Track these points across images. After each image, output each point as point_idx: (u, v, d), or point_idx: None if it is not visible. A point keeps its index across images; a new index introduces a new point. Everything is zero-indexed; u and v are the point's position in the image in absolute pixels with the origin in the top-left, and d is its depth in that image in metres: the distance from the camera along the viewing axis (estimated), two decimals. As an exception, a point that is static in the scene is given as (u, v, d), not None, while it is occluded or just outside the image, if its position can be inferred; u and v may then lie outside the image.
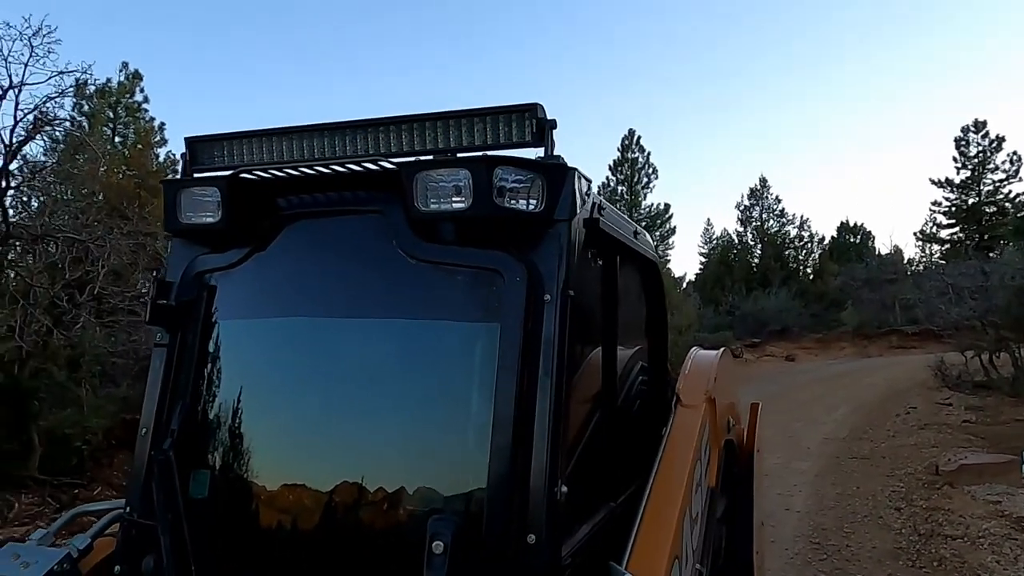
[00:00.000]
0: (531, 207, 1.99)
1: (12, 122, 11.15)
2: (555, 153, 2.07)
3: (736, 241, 51.33)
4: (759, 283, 45.70)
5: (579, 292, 2.10)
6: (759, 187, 51.23)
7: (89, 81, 13.05)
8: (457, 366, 2.09)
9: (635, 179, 46.47)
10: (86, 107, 33.36)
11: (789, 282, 46.14)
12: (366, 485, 2.06)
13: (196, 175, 2.35)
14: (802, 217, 51.39)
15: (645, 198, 46.38)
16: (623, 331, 2.70)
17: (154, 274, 2.31)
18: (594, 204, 2.26)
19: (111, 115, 33.83)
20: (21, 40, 10.98)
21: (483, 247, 2.00)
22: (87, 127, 32.92)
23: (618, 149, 46.23)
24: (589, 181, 2.21)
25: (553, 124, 2.05)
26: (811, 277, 49.58)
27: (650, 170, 46.19)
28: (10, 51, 11.08)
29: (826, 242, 52.43)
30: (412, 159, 2.05)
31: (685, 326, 28.02)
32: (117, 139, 33.31)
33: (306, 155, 2.22)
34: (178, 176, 2.38)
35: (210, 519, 2.15)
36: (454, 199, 1.93)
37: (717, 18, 68.84)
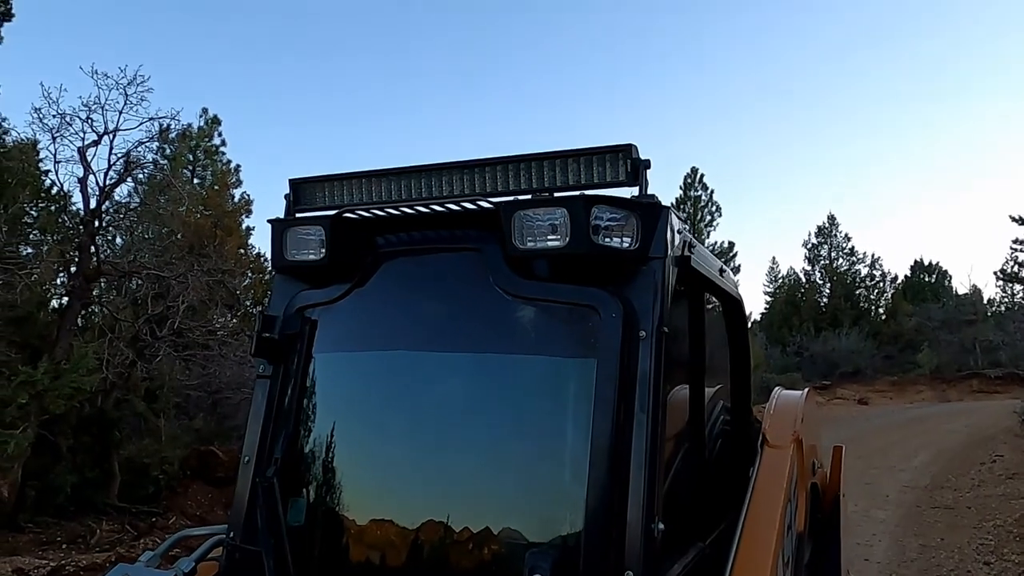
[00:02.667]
0: (626, 245, 2.02)
1: (106, 166, 11.81)
2: (649, 192, 2.11)
3: (803, 280, 50.09)
4: (829, 323, 44.37)
5: (671, 329, 2.11)
6: (827, 225, 50.09)
7: (173, 126, 13.67)
8: (555, 401, 2.11)
9: (698, 217, 46.06)
10: (169, 150, 35.16)
11: (860, 322, 44.65)
12: (464, 518, 2.09)
13: (298, 215, 2.46)
14: (873, 255, 49.72)
15: (708, 236, 45.87)
16: (712, 369, 2.69)
17: (259, 309, 2.42)
18: (685, 242, 2.28)
19: (191, 158, 35.51)
20: (117, 89, 11.67)
21: (579, 284, 2.04)
22: (170, 169, 34.68)
23: (681, 187, 46.01)
24: (681, 219, 2.23)
25: (647, 164, 2.10)
26: (884, 317, 47.89)
27: (713, 208, 45.76)
28: (107, 99, 11.76)
29: (899, 281, 50.72)
30: (510, 199, 2.11)
31: (752, 366, 27.42)
32: (196, 180, 34.91)
33: (404, 196, 2.31)
34: (281, 216, 2.50)
35: (308, 546, 2.21)
36: (550, 237, 1.98)
37: (781, 55, 68.31)
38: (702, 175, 46.12)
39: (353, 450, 2.31)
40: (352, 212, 2.29)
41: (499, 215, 2.04)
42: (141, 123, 12.43)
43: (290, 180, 2.53)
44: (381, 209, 2.26)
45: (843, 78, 70.73)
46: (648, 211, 2.05)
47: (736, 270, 45.87)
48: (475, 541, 2.06)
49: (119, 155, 11.98)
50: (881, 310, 49.15)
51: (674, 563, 2.12)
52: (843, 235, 49.72)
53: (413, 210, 2.22)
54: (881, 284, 49.77)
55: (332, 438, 2.32)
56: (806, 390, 3.70)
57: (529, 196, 2.13)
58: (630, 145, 2.09)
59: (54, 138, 11.57)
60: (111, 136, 11.77)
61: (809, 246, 50.25)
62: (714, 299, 2.88)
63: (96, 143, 12.23)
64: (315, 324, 2.39)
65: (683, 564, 2.20)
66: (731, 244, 46.10)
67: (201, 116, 36.24)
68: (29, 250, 12.17)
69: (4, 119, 12.25)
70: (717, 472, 2.72)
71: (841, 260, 49.50)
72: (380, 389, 2.35)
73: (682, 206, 46.76)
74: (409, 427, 2.27)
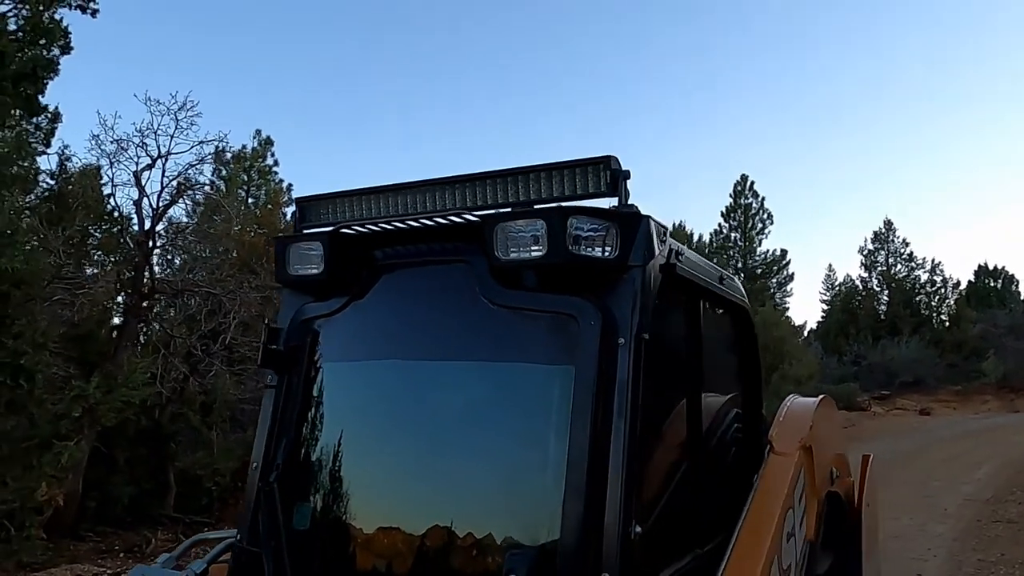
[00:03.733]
0: (605, 254, 2.08)
1: (159, 188, 12.32)
2: (630, 202, 2.16)
3: (860, 287, 48.77)
4: (887, 331, 43.06)
5: (657, 336, 2.15)
6: (884, 230, 48.73)
7: (226, 148, 14.17)
8: (535, 407, 2.18)
9: (749, 225, 45.40)
10: (224, 172, 36.35)
11: (921, 330, 43.20)
12: (447, 520, 2.18)
13: (304, 231, 2.59)
14: (933, 261, 48.07)
15: (760, 244, 45.14)
16: (712, 377, 2.71)
17: (266, 321, 2.55)
18: (672, 250, 2.32)
19: (245, 178, 36.65)
20: (168, 115, 12.18)
21: (560, 293, 2.10)
22: (224, 190, 35.82)
23: (731, 195, 45.44)
24: (665, 228, 2.28)
25: (626, 175, 2.15)
26: (946, 325, 46.23)
27: (764, 215, 45.05)
28: (159, 125, 12.27)
29: (962, 287, 48.93)
30: (493, 211, 2.19)
31: (805, 376, 26.79)
32: (250, 200, 36.00)
33: (399, 211, 2.41)
34: (291, 233, 2.64)
35: (309, 549, 2.31)
36: (532, 248, 2.05)
37: (834, 59, 66.95)
38: (752, 183, 45.41)
39: (347, 456, 2.41)
40: (349, 228, 2.40)
41: (483, 227, 2.12)
42: (192, 146, 12.90)
43: (296, 199, 2.67)
44: (376, 224, 2.37)
45: (895, 79, 68.89)
46: (627, 221, 2.11)
47: (789, 279, 44.93)
48: (458, 543, 2.15)
49: (171, 178, 12.46)
50: (943, 317, 47.46)
51: (662, 566, 2.16)
52: (901, 240, 48.31)
53: (405, 224, 2.33)
54: (943, 290, 48.09)
55: (329, 445, 2.43)
56: (820, 397, 3.66)
57: (511, 209, 2.20)
58: (609, 157, 2.15)
59: (111, 163, 12.13)
60: (163, 160, 12.25)
61: (865, 252, 48.97)
62: (717, 307, 2.91)
63: (150, 167, 12.75)
64: (317, 335, 2.51)
65: (674, 568, 2.23)
66: (783, 252, 45.24)
67: (255, 137, 37.43)
68: (94, 270, 12.74)
69: (67, 146, 12.90)
70: (723, 479, 2.73)
71: (899, 266, 48.05)
72: (373, 397, 2.46)
73: (732, 214, 46.10)
74: (398, 433, 2.38)
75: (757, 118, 67.65)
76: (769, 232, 44.91)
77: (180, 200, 13.36)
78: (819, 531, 3.14)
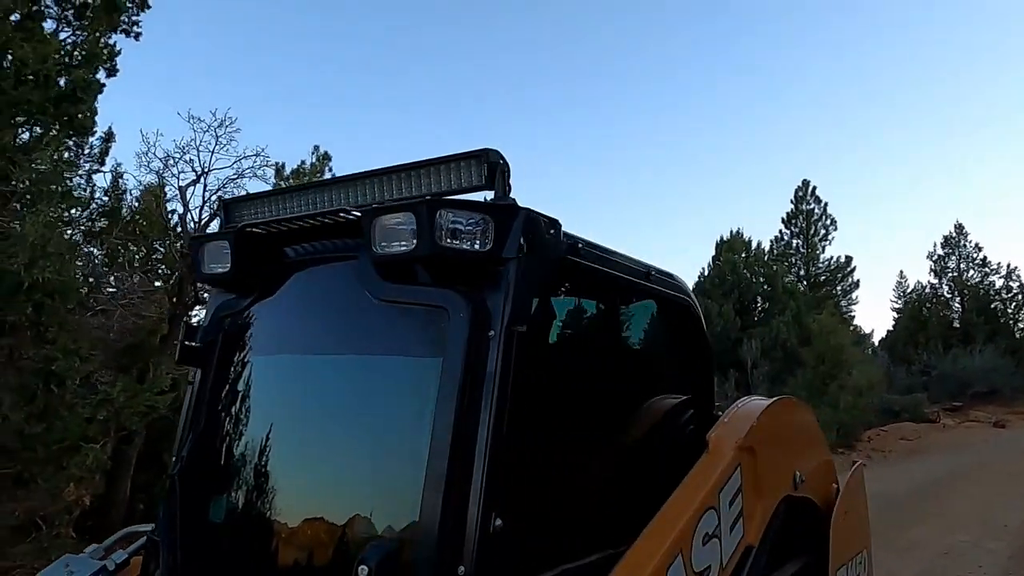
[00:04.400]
0: (477, 247, 2.07)
1: (200, 203, 12.81)
2: (511, 195, 2.16)
3: (930, 294, 46.80)
4: (960, 340, 41.15)
5: (543, 329, 2.15)
6: (955, 235, 46.69)
7: (259, 162, 14.60)
8: (406, 399, 2.19)
9: (811, 232, 44.19)
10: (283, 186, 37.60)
11: (996, 338, 41.09)
12: (319, 512, 2.22)
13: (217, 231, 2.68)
14: (1009, 266, 45.73)
15: (823, 251, 43.86)
16: (636, 373, 2.67)
17: (184, 319, 2.64)
18: (571, 244, 2.30)
19: (304, 193, 37.77)
20: (209, 132, 12.68)
21: (434, 286, 2.12)
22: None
23: (791, 201, 44.31)
24: (553, 220, 2.26)
25: (504, 168, 2.15)
26: (1025, 333, 43.94)
27: (827, 221, 43.77)
28: (200, 142, 12.77)
29: (1043, 293, 46.38)
30: (375, 206, 2.22)
31: (866, 387, 25.84)
32: (309, 214, 37.06)
33: (308, 209, 2.47)
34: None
35: (200, 539, 2.39)
36: (404, 242, 2.06)
37: (901, 54, 64.73)
38: (814, 188, 44.21)
39: (238, 449, 2.49)
40: (255, 226, 2.47)
41: (363, 223, 2.15)
42: (234, 162, 13.38)
43: (220, 200, 2.77)
44: (279, 223, 2.44)
45: (962, 80, 66.12)
46: (501, 213, 2.10)
47: (854, 286, 43.48)
48: (326, 535, 2.19)
49: (212, 192, 12.94)
50: (1022, 324, 45.11)
51: (540, 562, 2.13)
52: (973, 245, 46.21)
53: (299, 223, 2.39)
54: (1020, 296, 45.72)
55: (225, 438, 2.50)
56: (777, 398, 3.54)
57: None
58: (487, 150, 2.15)
59: (159, 179, 12.68)
60: (205, 175, 12.73)
61: (935, 258, 47.01)
62: (642, 303, 2.86)
63: (195, 182, 13.25)
64: (227, 332, 2.58)
65: (564, 565, 2.20)
66: (848, 259, 43.85)
67: (312, 153, 38.52)
68: (159, 284, 13.28)
69: (119, 164, 13.56)
70: (646, 482, 2.67)
71: (972, 272, 45.94)
72: (265, 392, 2.53)
73: (793, 220, 44.96)
74: (284, 428, 2.45)
75: (818, 120, 65.89)
76: (833, 239, 43.60)
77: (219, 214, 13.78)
78: (767, 535, 3.04)
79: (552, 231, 2.22)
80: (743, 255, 41.14)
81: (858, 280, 43.65)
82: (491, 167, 2.14)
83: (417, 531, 1.92)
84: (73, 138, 9.60)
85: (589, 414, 2.45)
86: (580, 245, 2.34)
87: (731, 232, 41.98)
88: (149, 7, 11.75)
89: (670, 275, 3.05)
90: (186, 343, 2.58)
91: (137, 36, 11.62)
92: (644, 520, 2.49)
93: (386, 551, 1.86)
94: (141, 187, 13.43)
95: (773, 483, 3.19)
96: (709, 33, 63.83)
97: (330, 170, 38.32)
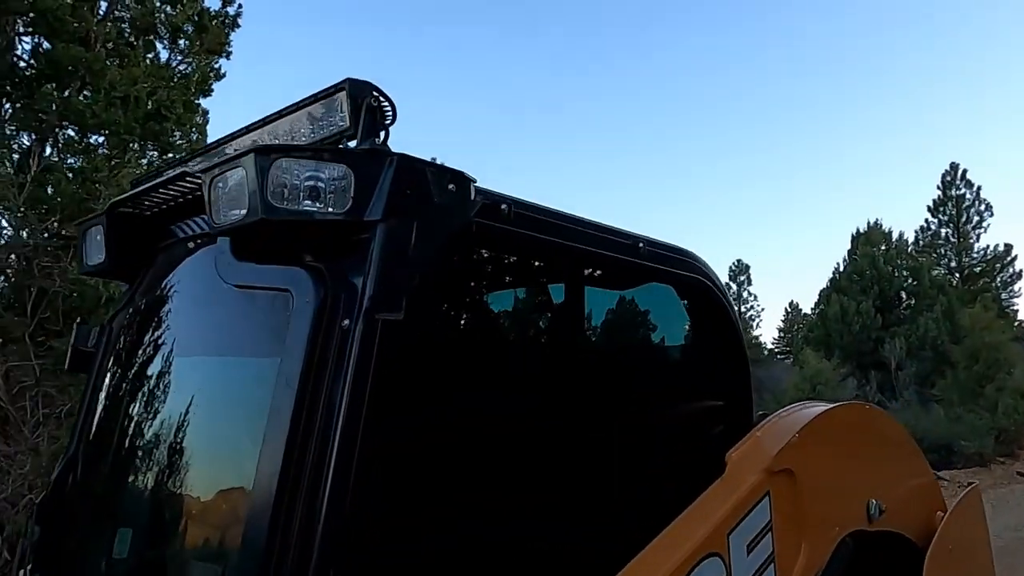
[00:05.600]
0: (332, 209, 1.55)
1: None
2: (380, 141, 1.62)
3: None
4: None
5: (434, 319, 1.60)
6: None
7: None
8: (241, 414, 1.70)
9: (962, 219, 40.32)
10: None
11: None
12: (153, 535, 1.95)
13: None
14: None
15: (978, 240, 39.88)
16: (615, 376, 2.06)
17: (77, 321, 2.30)
18: (489, 205, 1.73)
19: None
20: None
21: (282, 263, 1.61)
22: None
23: (938, 187, 40.59)
24: (456, 173, 1.70)
25: (374, 105, 1.62)
26: None
27: (981, 207, 39.76)
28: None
29: None
30: (220, 160, 1.72)
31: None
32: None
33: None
34: None
35: (64, 538, 2.17)
36: (242, 208, 1.57)
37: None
38: (964, 171, 40.36)
39: (93, 453, 2.17)
40: (122, 205, 2.07)
41: (204, 187, 1.68)
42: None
43: (132, 179, 2.41)
44: (138, 200, 2.02)
45: None
46: (363, 161, 1.57)
47: (1016, 276, 39.32)
48: (166, 549, 1.91)
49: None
50: None
51: None
52: None
53: (160, 194, 1.95)
54: None
55: (80, 460, 2.13)
56: (839, 404, 2.76)
57: None
58: (346, 81, 1.63)
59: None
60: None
61: (1117, 242, 41.52)
62: (635, 282, 2.22)
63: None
64: (110, 333, 2.20)
65: None
66: (1007, 247, 39.68)
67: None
68: None
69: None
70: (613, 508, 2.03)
71: None
72: (120, 395, 2.14)
73: (941, 208, 41.31)
74: (133, 435, 2.07)
75: (964, 97, 60.13)
76: (988, 226, 39.60)
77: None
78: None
79: (452, 186, 1.66)
80: (883, 248, 38.11)
81: (1021, 271, 39.36)
82: (355, 105, 1.62)
83: (250, 552, 1.45)
84: (161, 156, 9.88)
85: (503, 421, 1.82)
86: (504, 207, 1.76)
87: (868, 223, 39.00)
88: (239, 26, 12.05)
89: (676, 249, 2.39)
90: (76, 347, 2.23)
91: (228, 55, 11.93)
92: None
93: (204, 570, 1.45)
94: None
95: (828, 515, 2.45)
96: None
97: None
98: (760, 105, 65.12)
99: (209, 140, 12.80)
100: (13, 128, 11.17)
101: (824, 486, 2.45)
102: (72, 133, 10.84)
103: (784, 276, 71.95)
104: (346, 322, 1.53)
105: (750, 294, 48.37)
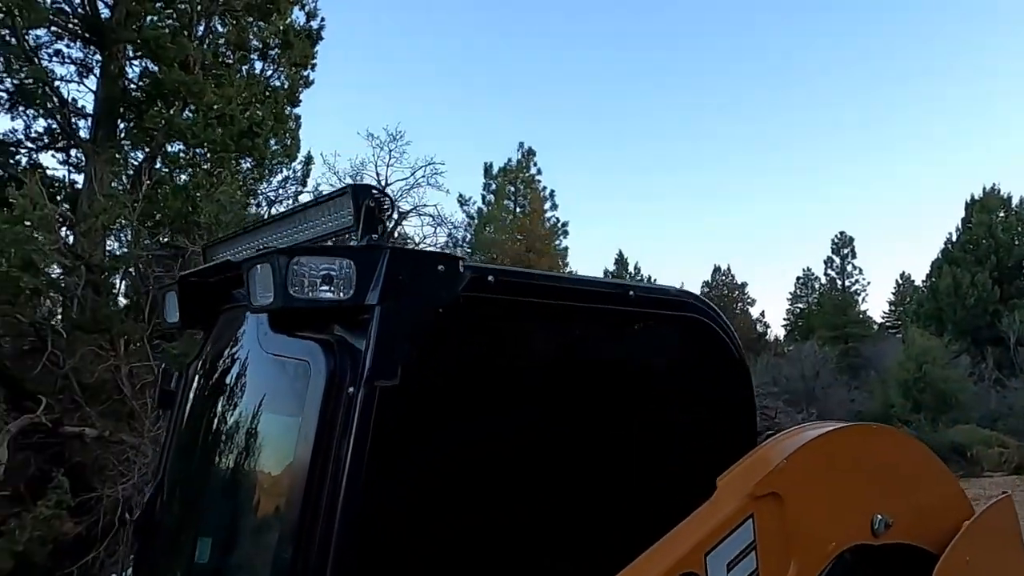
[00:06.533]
0: (340, 295, 1.89)
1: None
2: (379, 235, 1.96)
3: None
4: None
5: (431, 381, 1.93)
6: None
7: (431, 171, 15.23)
8: (276, 462, 2.07)
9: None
10: (493, 185, 39.20)
11: None
12: (209, 562, 2.25)
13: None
14: None
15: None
16: (606, 420, 2.31)
17: (163, 365, 2.74)
18: (476, 278, 2.02)
19: (512, 189, 39.04)
20: (383, 148, 13.52)
21: (302, 338, 1.97)
22: (493, 201, 38.59)
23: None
24: (446, 256, 2.01)
25: (373, 206, 1.95)
26: None
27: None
28: (377, 156, 13.64)
29: None
30: (249, 256, 2.10)
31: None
32: (518, 210, 38.27)
33: (235, 255, 2.44)
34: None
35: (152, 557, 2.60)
36: (270, 293, 1.94)
37: None
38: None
39: (174, 479, 2.59)
40: (192, 276, 2.50)
41: (243, 274, 2.06)
42: (414, 171, 14.11)
43: (203, 246, 2.84)
44: (198, 275, 2.44)
45: None
46: (362, 255, 1.89)
47: None
48: (234, 555, 2.27)
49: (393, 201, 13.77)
50: None
51: None
52: None
53: (209, 270, 2.38)
54: None
55: (166, 484, 2.58)
56: (842, 426, 2.89)
57: None
58: (353, 186, 1.97)
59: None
60: (385, 186, 13.56)
61: None
62: (628, 328, 2.44)
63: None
64: (185, 379, 2.64)
65: None
66: None
67: (518, 149, 39.81)
68: None
69: (319, 184, 14.90)
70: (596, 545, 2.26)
71: None
72: (193, 442, 2.53)
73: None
74: (198, 479, 2.46)
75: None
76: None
77: (402, 222, 14.62)
78: None
79: (441, 267, 1.97)
80: (1001, 214, 35.74)
81: None
82: (357, 205, 1.95)
83: None
84: (256, 168, 10.64)
85: (504, 471, 2.08)
86: (490, 278, 2.05)
87: (984, 189, 36.61)
88: (323, 39, 12.67)
89: (668, 291, 2.60)
90: (162, 388, 2.69)
91: (312, 66, 12.58)
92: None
93: None
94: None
95: (822, 532, 2.63)
96: None
97: (535, 165, 39.05)
98: (863, 69, 61.82)
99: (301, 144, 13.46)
100: (127, 144, 12.27)
101: (817, 505, 2.61)
102: (176, 149, 11.81)
103: (895, 246, 68.27)
104: (351, 389, 1.85)
105: (854, 268, 46.23)
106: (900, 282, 46.84)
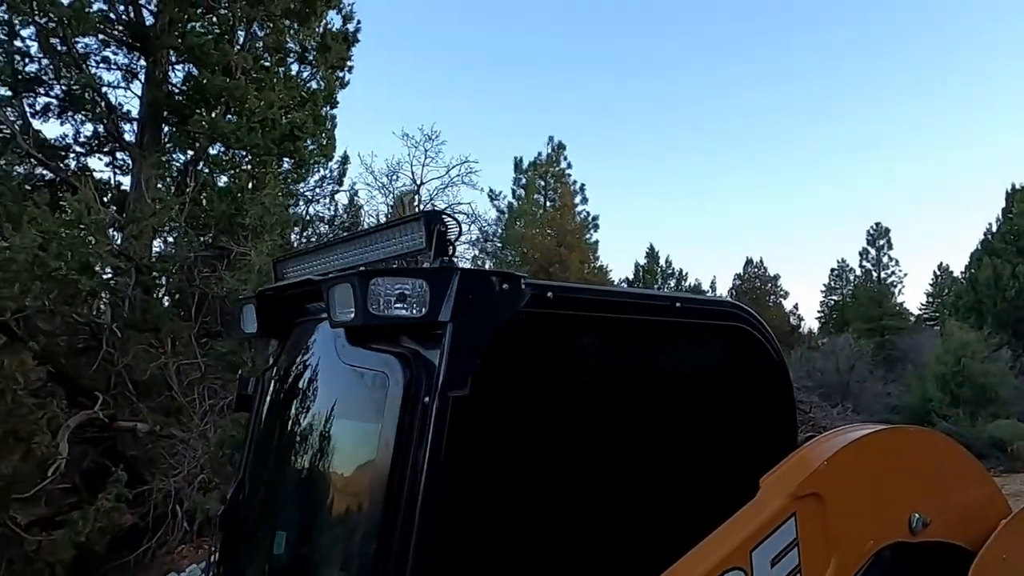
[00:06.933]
0: (413, 312, 2.07)
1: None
2: (448, 258, 2.13)
3: None
4: None
5: (498, 389, 2.10)
6: None
7: (465, 170, 15.45)
8: (357, 464, 2.25)
9: None
10: (523, 179, 39.28)
11: None
12: (295, 557, 2.48)
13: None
14: None
15: None
16: (655, 421, 2.47)
17: (239, 373, 2.96)
18: (535, 295, 2.18)
19: (543, 184, 39.10)
20: (419, 147, 13.75)
21: (379, 351, 2.15)
22: (524, 196, 38.67)
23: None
24: (508, 275, 2.17)
25: (444, 231, 2.12)
26: None
27: None
28: (413, 156, 13.87)
29: None
30: (329, 275, 2.29)
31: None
32: (548, 204, 38.32)
33: (328, 266, 2.64)
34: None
35: (236, 550, 2.81)
36: (351, 310, 2.12)
37: None
38: None
39: (251, 488, 2.78)
40: (269, 291, 2.70)
41: (323, 291, 2.24)
42: (448, 170, 14.32)
43: (273, 259, 3.04)
44: (276, 290, 2.65)
45: None
46: (434, 276, 2.06)
47: None
48: (310, 548, 2.47)
49: (425, 201, 14.00)
50: None
51: None
52: None
53: (289, 286, 2.58)
54: None
55: (247, 476, 2.79)
56: (880, 429, 2.99)
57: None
58: (426, 213, 2.14)
59: (382, 190, 14.01)
60: (420, 185, 13.79)
61: None
62: (676, 338, 2.60)
63: (415, 192, 14.39)
64: (263, 384, 2.84)
65: None
66: None
67: (548, 144, 39.82)
68: None
69: (354, 183, 15.20)
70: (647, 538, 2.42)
71: None
72: (272, 443, 2.73)
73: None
74: (279, 477, 2.67)
75: None
76: None
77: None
78: None
79: (505, 286, 2.13)
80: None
81: None
82: (429, 230, 2.12)
83: None
84: (296, 169, 10.91)
85: (565, 473, 2.25)
86: (549, 294, 2.21)
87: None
88: (359, 41, 12.89)
89: (712, 301, 2.77)
90: (239, 392, 2.90)
91: (350, 68, 12.81)
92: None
93: None
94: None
95: (861, 530, 2.75)
96: None
97: (565, 159, 39.00)
98: (898, 61, 60.67)
99: (337, 143, 13.68)
100: (171, 147, 12.65)
101: (856, 504, 2.73)
102: (218, 151, 12.14)
103: (933, 237, 66.99)
104: (426, 398, 2.02)
105: (890, 259, 45.56)
106: (938, 273, 46.09)
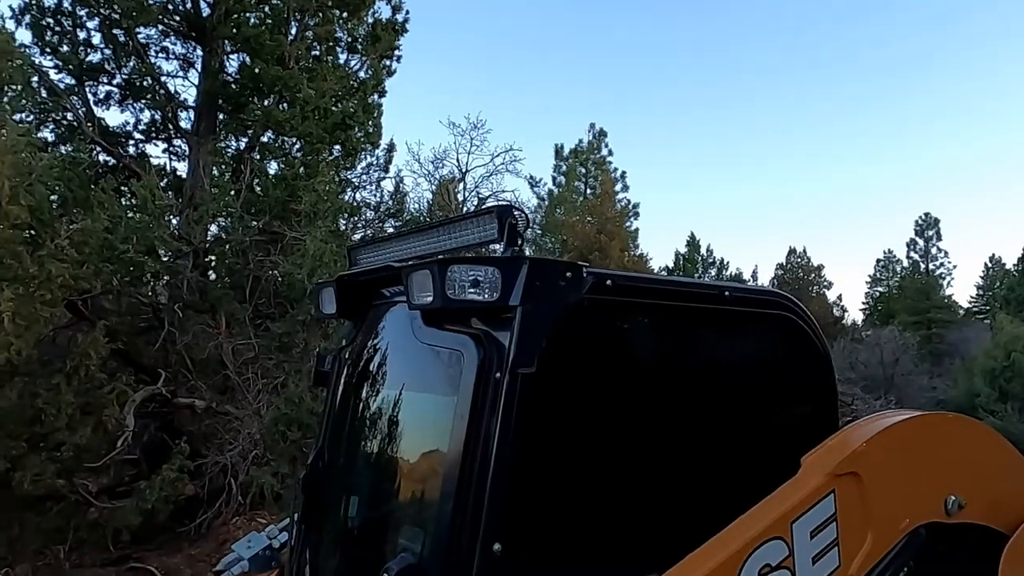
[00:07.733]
0: (486, 297, 2.28)
1: (462, 197, 14.17)
2: (519, 248, 2.34)
3: None
4: None
5: (561, 368, 2.31)
6: None
7: (510, 158, 15.60)
8: (433, 433, 2.48)
9: None
10: (564, 167, 39.26)
11: None
12: (372, 521, 2.73)
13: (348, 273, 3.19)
14: None
15: None
16: (702, 404, 2.66)
17: (316, 349, 3.22)
18: (595, 283, 2.37)
19: (583, 171, 39.05)
20: (465, 136, 13.96)
21: (455, 331, 2.37)
22: (564, 183, 38.68)
23: None
24: (572, 265, 2.37)
25: (514, 223, 2.33)
26: None
27: None
28: (458, 144, 14.09)
29: None
30: (409, 262, 2.52)
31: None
32: (589, 191, 38.28)
33: (405, 252, 2.86)
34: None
35: (315, 523, 3.01)
36: (429, 294, 2.35)
37: None
38: None
39: (330, 458, 3.00)
40: (349, 275, 2.94)
41: (402, 276, 2.47)
42: (493, 158, 14.52)
43: (348, 246, 3.30)
44: (356, 275, 2.90)
45: None
46: (506, 265, 2.27)
47: None
48: (376, 540, 2.68)
49: (470, 189, 14.23)
50: None
51: None
52: None
53: (370, 271, 2.82)
54: None
55: (325, 448, 3.02)
56: (918, 414, 3.12)
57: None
58: (498, 206, 2.35)
59: (428, 177, 14.28)
60: (464, 172, 14.03)
61: None
62: (725, 326, 2.78)
63: (461, 179, 14.63)
64: (341, 361, 3.08)
65: None
66: None
67: (589, 131, 39.71)
68: None
69: (400, 170, 15.50)
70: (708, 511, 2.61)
71: None
72: (355, 415, 2.97)
73: None
74: (361, 448, 2.90)
75: None
76: None
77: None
78: (886, 566, 2.80)
79: (569, 274, 2.33)
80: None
81: None
82: (501, 223, 2.33)
83: (427, 553, 2.23)
84: (346, 157, 11.22)
85: (621, 447, 2.45)
86: (608, 282, 2.40)
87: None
88: (407, 31, 13.12)
89: (760, 291, 2.92)
90: (317, 368, 3.16)
91: (398, 58, 13.05)
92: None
93: (404, 564, 2.21)
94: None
95: (897, 509, 2.90)
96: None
97: (606, 145, 38.82)
98: (949, 54, 58.96)
99: (383, 131, 13.97)
100: (225, 134, 13.07)
101: (892, 485, 2.87)
102: (269, 139, 12.52)
103: (985, 228, 65.24)
104: (498, 374, 2.23)
105: (939, 250, 44.51)
106: (989, 265, 44.92)
